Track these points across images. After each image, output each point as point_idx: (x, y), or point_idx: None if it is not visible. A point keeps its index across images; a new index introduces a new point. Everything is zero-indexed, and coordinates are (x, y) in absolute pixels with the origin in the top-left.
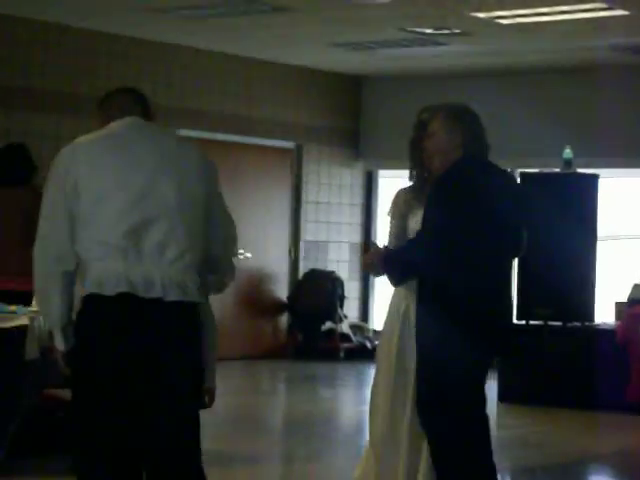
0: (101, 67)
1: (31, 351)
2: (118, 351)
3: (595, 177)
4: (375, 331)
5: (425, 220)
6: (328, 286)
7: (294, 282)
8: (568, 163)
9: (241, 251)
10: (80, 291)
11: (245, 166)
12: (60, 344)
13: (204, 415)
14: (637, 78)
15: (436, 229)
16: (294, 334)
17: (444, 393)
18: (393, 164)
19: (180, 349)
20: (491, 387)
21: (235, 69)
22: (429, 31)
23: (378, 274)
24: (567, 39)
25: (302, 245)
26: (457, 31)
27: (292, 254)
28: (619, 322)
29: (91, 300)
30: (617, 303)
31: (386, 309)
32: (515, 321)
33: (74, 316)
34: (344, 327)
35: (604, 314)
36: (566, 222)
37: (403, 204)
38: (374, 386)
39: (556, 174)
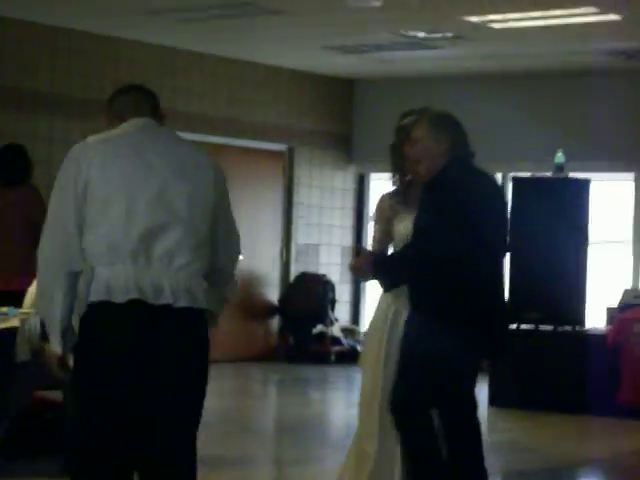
0: (93, 69)
1: (22, 353)
2: (127, 358)
3: (587, 182)
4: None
5: (416, 226)
6: (319, 289)
7: (285, 285)
8: (560, 167)
9: None
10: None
11: (237, 169)
12: (57, 347)
13: None
14: (629, 83)
15: (428, 234)
16: (285, 337)
17: (432, 394)
18: (385, 167)
19: (189, 355)
20: (482, 391)
21: (227, 71)
22: (422, 35)
23: (367, 279)
24: (559, 43)
25: (293, 248)
26: (450, 35)
27: (283, 257)
28: (610, 327)
29: (100, 307)
30: (609, 308)
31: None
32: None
33: (74, 321)
34: (335, 330)
35: (595, 319)
36: (557, 226)
37: (388, 209)
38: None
39: (548, 178)
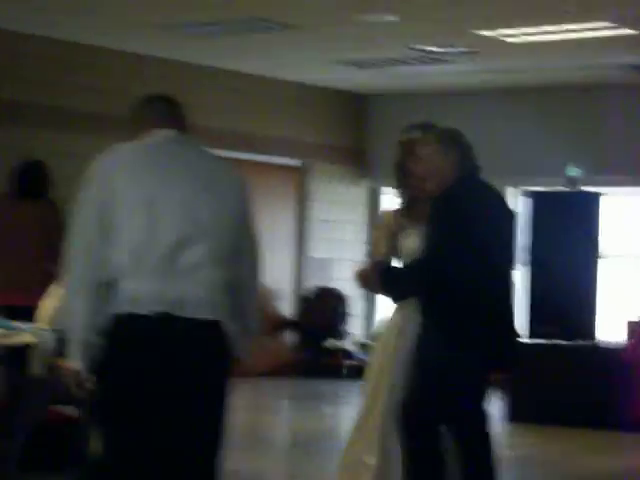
0: (101, 83)
1: (36, 367)
2: (154, 370)
3: (597, 195)
4: None
5: (427, 241)
6: (332, 303)
7: (299, 299)
8: (573, 181)
9: None
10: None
11: (250, 184)
12: (77, 362)
13: None
14: None
15: (438, 250)
16: (299, 351)
17: (444, 410)
18: None
19: (212, 367)
20: (500, 407)
21: (241, 86)
22: (435, 49)
23: (371, 289)
24: (573, 58)
25: (307, 262)
26: (464, 49)
27: (297, 271)
28: (631, 340)
29: (125, 319)
30: (630, 322)
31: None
32: (523, 340)
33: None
34: (348, 344)
35: (613, 332)
36: (571, 240)
37: (394, 224)
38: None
39: (560, 192)
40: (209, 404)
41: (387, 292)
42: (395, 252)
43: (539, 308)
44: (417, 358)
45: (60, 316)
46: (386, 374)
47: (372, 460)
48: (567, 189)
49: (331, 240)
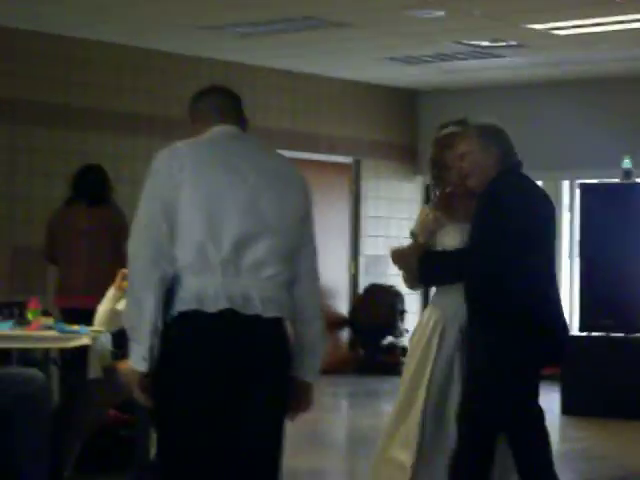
0: (156, 85)
1: (94, 370)
2: (221, 369)
3: None
4: None
5: (473, 234)
6: (388, 300)
7: (354, 297)
8: (628, 173)
9: None
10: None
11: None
12: (141, 364)
13: None
14: None
15: (485, 244)
16: (355, 349)
17: (507, 411)
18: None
19: (278, 366)
20: (554, 399)
21: (290, 85)
22: (485, 43)
23: (406, 267)
24: (624, 49)
25: (362, 260)
26: (513, 43)
27: (352, 269)
28: None
29: (190, 316)
30: None
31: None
32: (577, 333)
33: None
34: (405, 341)
35: None
36: (626, 232)
37: (432, 221)
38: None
39: (616, 184)
40: (272, 402)
41: (424, 274)
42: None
43: (593, 301)
44: (469, 365)
45: (125, 315)
46: (423, 374)
47: (408, 459)
48: (622, 182)
49: (386, 237)
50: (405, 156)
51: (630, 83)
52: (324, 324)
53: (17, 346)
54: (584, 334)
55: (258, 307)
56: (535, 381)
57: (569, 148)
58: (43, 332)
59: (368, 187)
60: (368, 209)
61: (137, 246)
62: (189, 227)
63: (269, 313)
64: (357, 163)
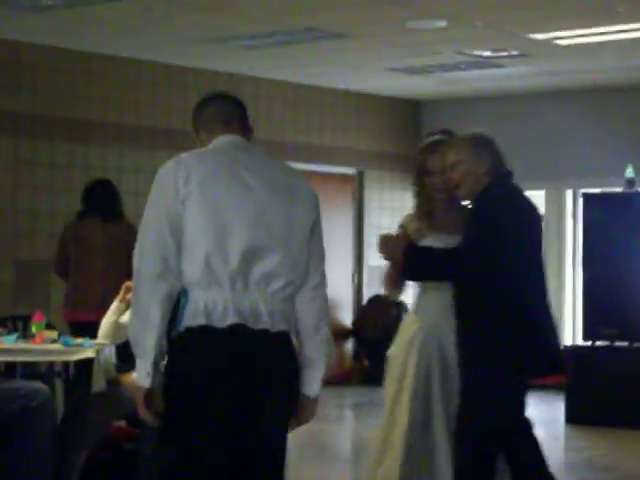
0: (159, 97)
1: (97, 383)
2: (231, 384)
3: None
4: None
5: (465, 240)
6: (392, 311)
7: (358, 307)
8: (631, 182)
9: None
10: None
11: None
12: (145, 379)
13: None
14: None
15: (475, 250)
16: (360, 360)
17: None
18: None
19: (287, 381)
20: (559, 409)
21: (293, 96)
22: (487, 54)
23: (390, 258)
24: (626, 58)
25: (366, 270)
26: (515, 53)
27: (356, 280)
28: None
29: (198, 331)
30: None
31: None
32: (581, 342)
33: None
34: None
35: None
36: (629, 241)
37: (414, 231)
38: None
39: (619, 194)
40: (281, 418)
41: (407, 266)
42: None
43: (596, 310)
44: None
45: (129, 329)
46: (406, 387)
47: (397, 471)
48: (625, 191)
49: None
50: (408, 166)
51: (633, 92)
52: (330, 337)
53: (21, 359)
54: (588, 343)
55: (267, 321)
56: (521, 396)
57: (572, 157)
58: (47, 345)
59: (371, 198)
60: (371, 219)
61: (143, 260)
62: (196, 240)
63: (277, 327)
64: (360, 174)
